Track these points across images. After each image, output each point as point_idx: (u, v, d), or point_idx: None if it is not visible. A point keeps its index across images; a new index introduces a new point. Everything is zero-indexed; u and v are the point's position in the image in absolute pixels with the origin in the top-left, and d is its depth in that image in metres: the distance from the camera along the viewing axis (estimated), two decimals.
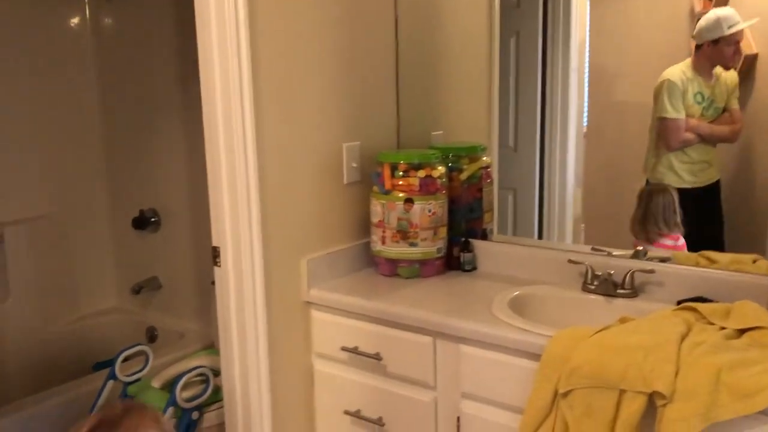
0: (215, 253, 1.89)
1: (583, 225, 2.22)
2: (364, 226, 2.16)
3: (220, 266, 1.89)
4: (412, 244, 2.04)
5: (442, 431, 1.81)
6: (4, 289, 2.75)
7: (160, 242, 2.97)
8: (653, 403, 1.40)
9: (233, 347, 1.93)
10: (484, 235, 2.19)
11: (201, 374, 2.20)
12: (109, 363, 2.39)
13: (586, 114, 2.19)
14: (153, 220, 2.95)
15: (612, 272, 1.87)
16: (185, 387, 2.16)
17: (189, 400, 2.15)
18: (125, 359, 2.35)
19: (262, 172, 1.86)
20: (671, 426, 1.36)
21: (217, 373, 2.17)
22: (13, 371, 2.70)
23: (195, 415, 2.17)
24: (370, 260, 2.17)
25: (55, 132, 2.91)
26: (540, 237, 2.30)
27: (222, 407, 2.07)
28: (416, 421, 1.85)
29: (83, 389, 2.44)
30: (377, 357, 1.88)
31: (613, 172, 2.15)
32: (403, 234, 2.03)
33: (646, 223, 2.01)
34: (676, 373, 1.39)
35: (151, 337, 2.93)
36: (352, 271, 2.14)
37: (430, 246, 2.05)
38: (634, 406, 1.41)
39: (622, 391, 1.43)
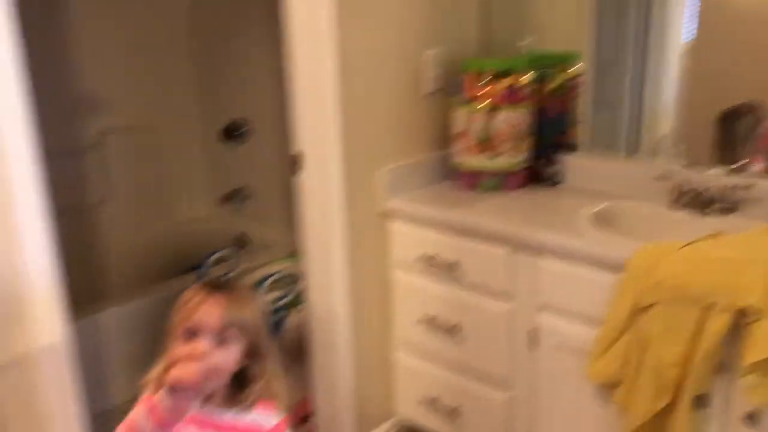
0: (297, 160, 1.92)
1: (676, 143, 2.10)
2: (445, 137, 2.12)
3: (301, 173, 1.92)
4: (494, 156, 1.99)
5: (517, 341, 1.82)
6: (107, 193, 2.92)
7: (249, 152, 3.05)
8: (737, 322, 1.35)
9: (315, 253, 1.99)
10: (570, 149, 2.11)
11: (286, 277, 2.29)
12: (200, 266, 2.52)
13: (689, 25, 2.02)
14: (242, 130, 3.02)
15: (704, 189, 1.78)
16: (271, 289, 2.25)
17: (274, 302, 2.25)
18: (215, 262, 2.47)
19: (344, 79, 1.84)
20: (764, 342, 1.30)
21: (301, 277, 2.25)
22: (114, 269, 2.89)
23: (279, 315, 2.26)
24: (450, 173, 2.14)
25: (148, 44, 2.98)
26: (630, 154, 2.20)
27: (305, 310, 2.16)
28: (492, 331, 1.86)
29: (175, 289, 2.58)
30: (455, 267, 1.89)
31: (715, 88, 1.99)
32: (486, 145, 1.99)
33: (731, 146, 1.86)
34: None
35: (240, 244, 3.04)
36: (432, 184, 2.13)
37: (513, 158, 2.00)
38: (719, 323, 1.36)
39: (708, 307, 1.38)
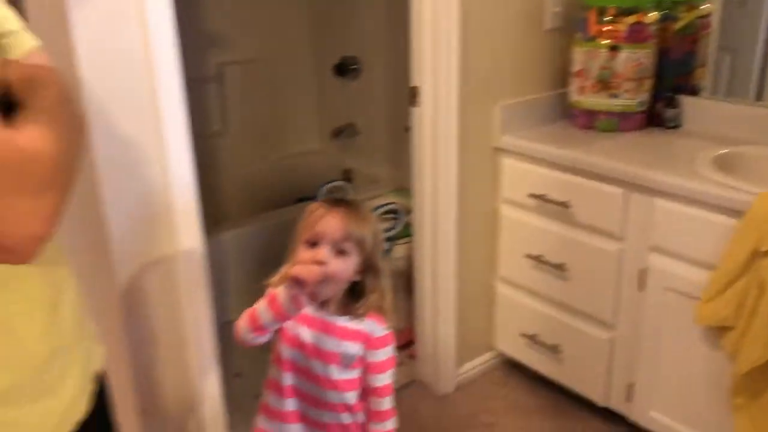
0: (413, 93, 1.96)
1: None
2: (563, 75, 2.10)
3: (417, 106, 1.97)
4: (613, 96, 1.96)
5: (625, 282, 1.82)
6: (225, 124, 3.07)
7: (359, 89, 3.11)
8: None
9: (425, 185, 2.04)
10: (693, 92, 2.04)
11: (393, 210, 2.36)
12: (310, 198, 2.63)
13: None
14: (353, 67, 3.08)
15: None
16: (380, 220, 2.33)
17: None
18: (328, 192, 2.57)
19: (464, 13, 1.85)
20: None
21: (407, 211, 2.32)
22: (230, 196, 3.07)
23: (386, 246, 2.35)
24: (565, 112, 2.13)
25: None
26: (758, 98, 2.10)
27: (411, 242, 2.24)
28: (599, 270, 1.87)
29: (286, 217, 2.73)
30: (565, 205, 1.90)
31: None
32: (604, 84, 1.96)
33: None
34: None
35: (347, 179, 3.14)
36: (546, 122, 2.13)
37: (633, 98, 1.97)
38: None
39: None
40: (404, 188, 2.64)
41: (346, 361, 1.25)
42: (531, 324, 2.12)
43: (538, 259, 2.02)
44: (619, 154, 1.84)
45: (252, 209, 2.95)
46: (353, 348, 1.25)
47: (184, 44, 1.40)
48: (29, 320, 0.75)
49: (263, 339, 1.20)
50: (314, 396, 1.27)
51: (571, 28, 2.03)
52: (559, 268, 1.96)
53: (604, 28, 1.92)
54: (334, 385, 1.26)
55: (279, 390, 1.29)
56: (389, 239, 2.34)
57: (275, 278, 1.22)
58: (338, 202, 1.22)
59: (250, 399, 2.28)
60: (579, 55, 1.98)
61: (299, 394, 1.28)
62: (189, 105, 1.45)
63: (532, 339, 2.11)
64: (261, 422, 1.35)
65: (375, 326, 1.27)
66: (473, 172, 2.05)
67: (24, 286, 0.74)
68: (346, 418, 1.29)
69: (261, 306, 1.15)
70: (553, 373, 2.11)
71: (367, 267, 1.24)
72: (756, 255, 1.47)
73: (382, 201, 2.45)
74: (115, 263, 1.41)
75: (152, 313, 1.51)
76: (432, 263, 2.11)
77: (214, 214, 2.93)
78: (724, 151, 1.77)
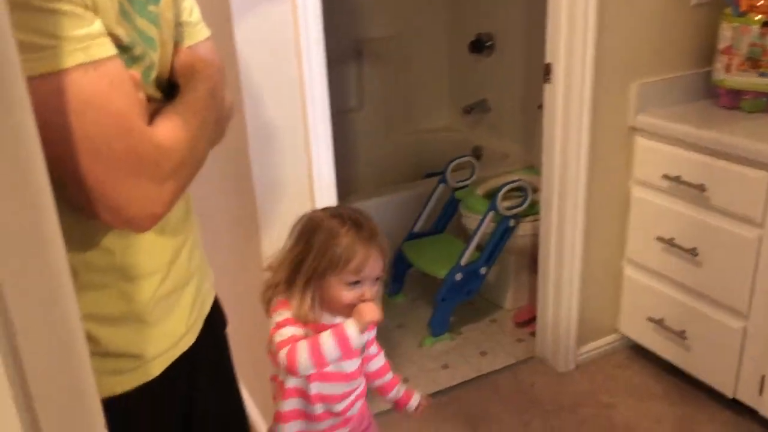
0: (547, 70, 1.96)
1: None
2: (707, 53, 2.01)
3: (550, 83, 1.96)
4: (763, 74, 1.86)
5: (763, 271, 1.74)
6: (360, 100, 3.20)
7: (493, 66, 3.12)
8: None
9: (554, 163, 2.04)
10: None
11: (520, 188, 2.37)
12: (438, 173, 2.69)
13: None
14: (488, 44, 3.09)
15: None
16: (505, 197, 2.35)
17: (508, 208, 2.35)
18: (454, 169, 2.62)
19: None
20: None
21: (535, 189, 2.32)
22: (361, 170, 3.20)
23: (512, 222, 2.37)
24: (708, 91, 2.04)
25: None
26: None
27: (537, 220, 2.24)
28: (734, 257, 1.80)
29: (415, 191, 2.81)
30: (701, 188, 1.83)
31: None
32: (754, 62, 1.86)
33: None
34: None
35: (477, 155, 3.18)
36: (687, 101, 2.05)
37: None
38: None
39: None
40: (534, 166, 2.63)
41: (362, 349, 1.32)
42: (658, 308, 2.07)
43: (669, 243, 1.96)
44: (765, 136, 1.75)
45: (382, 182, 3.07)
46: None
47: (326, 22, 1.50)
48: (149, 260, 0.86)
49: None
50: (340, 394, 1.30)
51: (720, 2, 1.93)
52: (691, 252, 1.90)
53: (758, 3, 1.82)
54: (355, 375, 1.30)
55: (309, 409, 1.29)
56: (515, 217, 2.36)
57: (276, 280, 1.23)
58: (371, 235, 1.20)
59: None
60: (727, 31, 1.89)
61: (324, 399, 1.29)
62: (329, 82, 1.55)
63: (659, 324, 2.07)
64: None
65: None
66: (605, 151, 2.02)
67: (143, 243, 0.85)
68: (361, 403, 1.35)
69: (328, 344, 1.15)
70: (679, 361, 2.06)
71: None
72: None
73: (510, 177, 2.46)
74: (260, 229, 1.55)
75: None
76: (557, 242, 2.11)
77: (346, 186, 3.08)
78: None
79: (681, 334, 2.00)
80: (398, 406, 1.42)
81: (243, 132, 1.47)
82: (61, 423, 0.53)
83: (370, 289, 1.20)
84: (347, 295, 1.19)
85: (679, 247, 1.93)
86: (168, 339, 0.91)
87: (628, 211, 2.10)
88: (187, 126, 0.78)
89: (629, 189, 2.08)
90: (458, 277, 2.34)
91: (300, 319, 1.19)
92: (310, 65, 1.49)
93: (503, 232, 2.38)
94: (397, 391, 1.41)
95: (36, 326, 0.51)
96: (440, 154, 3.11)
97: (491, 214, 2.35)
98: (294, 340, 1.16)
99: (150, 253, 0.86)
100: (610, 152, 2.03)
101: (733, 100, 1.94)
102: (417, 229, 2.66)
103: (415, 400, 1.41)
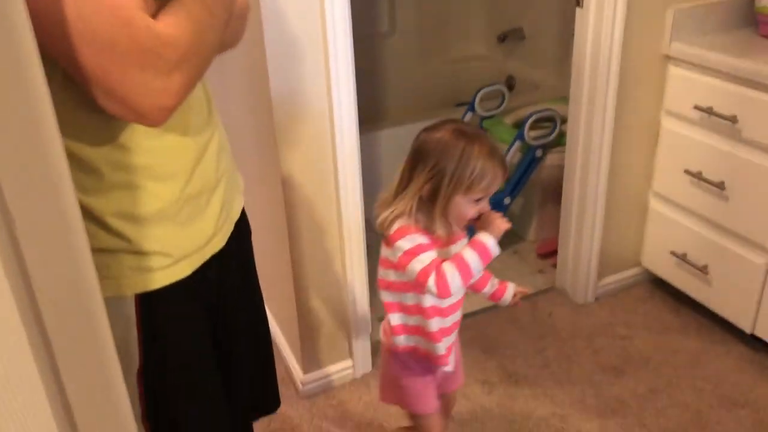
0: None
1: None
2: None
3: (582, 6, 1.90)
4: None
5: None
6: (393, 25, 3.14)
7: None
8: None
9: (583, 92, 1.99)
10: None
11: (549, 118, 2.33)
12: (467, 104, 2.66)
13: None
14: None
15: None
16: (533, 127, 2.32)
17: (535, 138, 2.32)
18: (484, 98, 2.58)
19: None
20: None
21: (564, 120, 2.28)
22: (392, 95, 3.17)
23: (539, 152, 2.34)
24: (750, 18, 1.95)
25: None
26: None
27: (564, 151, 2.21)
28: (763, 191, 1.76)
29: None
30: (733, 120, 1.78)
31: None
32: None
33: None
34: None
35: (510, 85, 3.11)
36: (726, 30, 1.96)
37: None
38: None
39: None
40: (566, 97, 2.57)
41: None
42: (682, 243, 2.05)
43: (697, 176, 1.92)
44: None
45: (413, 110, 3.04)
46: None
47: None
48: (174, 160, 0.89)
49: None
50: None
51: None
52: (719, 186, 1.86)
53: None
54: None
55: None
56: (542, 147, 2.33)
57: (402, 210, 1.22)
58: (494, 151, 1.21)
59: None
60: None
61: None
62: (358, 4, 1.52)
63: (682, 258, 2.05)
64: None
65: None
66: (636, 81, 1.96)
67: (167, 143, 0.88)
68: None
69: (473, 261, 1.20)
70: (699, 295, 2.05)
71: None
72: None
73: (541, 107, 2.42)
74: (278, 145, 1.57)
75: (311, 203, 1.67)
76: (582, 172, 2.08)
77: (376, 112, 3.06)
78: None
79: (703, 269, 1.98)
80: (494, 298, 1.45)
81: (260, 44, 1.47)
82: (60, 314, 0.56)
83: (486, 202, 1.24)
84: (472, 210, 1.23)
85: (707, 181, 1.89)
86: (197, 240, 0.95)
87: (656, 142, 2.06)
88: (192, 17, 0.77)
89: (659, 120, 2.03)
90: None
91: (439, 240, 1.22)
92: None
93: (529, 162, 2.36)
94: (492, 285, 1.43)
95: (35, 218, 0.53)
96: (473, 83, 3.05)
97: (518, 143, 2.32)
98: (435, 264, 1.19)
99: (174, 153, 0.89)
100: (641, 81, 1.97)
101: None
102: None
103: (509, 293, 1.44)
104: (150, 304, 0.91)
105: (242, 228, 1.10)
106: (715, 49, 1.84)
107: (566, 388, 1.89)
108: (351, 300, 1.85)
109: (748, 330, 1.92)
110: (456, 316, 1.35)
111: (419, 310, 1.30)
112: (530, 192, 2.51)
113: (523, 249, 2.55)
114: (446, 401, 1.53)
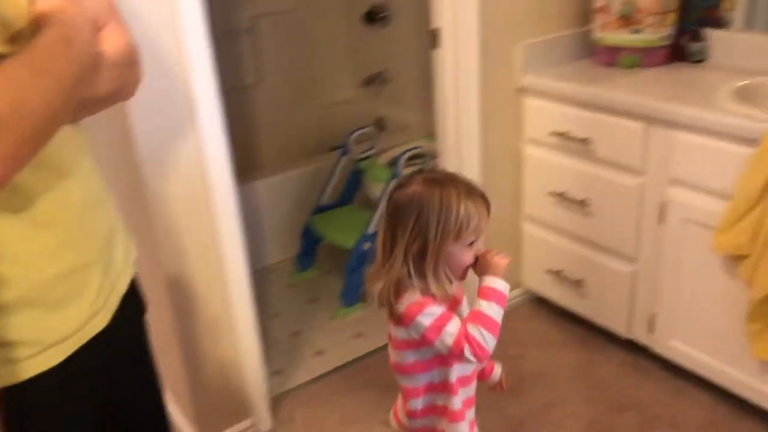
0: (434, 35, 1.99)
1: None
2: (586, 13, 2.10)
3: (439, 48, 2.00)
4: (636, 31, 1.96)
5: (646, 216, 1.85)
6: (259, 76, 3.15)
7: (389, 37, 3.13)
8: None
9: (448, 127, 2.08)
10: (719, 24, 2.01)
11: (421, 155, 2.42)
12: (343, 145, 2.70)
13: None
14: (382, 15, 3.10)
15: None
16: (408, 165, 2.39)
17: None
18: (358, 141, 2.64)
19: None
20: None
21: (434, 155, 2.37)
22: (266, 146, 3.17)
23: None
24: (588, 50, 2.13)
25: None
26: None
27: None
28: (620, 204, 1.91)
29: (321, 164, 2.82)
30: (587, 142, 1.93)
31: None
32: (627, 20, 1.95)
33: None
34: None
35: (380, 126, 3.20)
36: (569, 60, 2.13)
37: (655, 33, 1.96)
38: None
39: None
40: (434, 133, 2.68)
41: None
42: (556, 260, 2.17)
43: (561, 196, 2.05)
44: (641, 89, 1.85)
45: (288, 158, 3.04)
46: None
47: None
48: (33, 242, 0.82)
49: None
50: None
51: None
52: (582, 204, 2.00)
53: None
54: None
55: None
56: None
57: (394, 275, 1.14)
58: (472, 189, 1.17)
59: (286, 336, 2.42)
60: None
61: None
62: (222, 58, 1.52)
63: (558, 275, 2.17)
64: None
65: None
66: (496, 113, 2.08)
67: (31, 212, 0.80)
68: None
69: (495, 311, 1.16)
70: (578, 308, 2.17)
71: None
72: None
73: (412, 144, 2.50)
74: (152, 215, 1.52)
75: (190, 253, 1.62)
76: None
77: (251, 163, 3.04)
78: (745, 82, 1.76)
79: (579, 283, 2.11)
80: (482, 375, 1.37)
81: (124, 104, 1.43)
82: None
83: (480, 244, 1.18)
84: (468, 255, 1.16)
85: (571, 200, 2.03)
86: (72, 323, 0.87)
87: (521, 169, 2.18)
88: (11, 81, 0.67)
89: (521, 147, 2.16)
90: (366, 246, 2.37)
91: (444, 300, 1.15)
92: (193, 41, 1.46)
93: None
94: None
95: None
96: (344, 126, 3.11)
97: (394, 182, 2.38)
98: (464, 333, 1.12)
99: (24, 233, 0.81)
100: (501, 113, 2.10)
101: (612, 57, 2.04)
102: (324, 201, 2.67)
103: (497, 371, 1.39)
104: (18, 395, 0.84)
105: (133, 303, 1.02)
106: (563, 79, 1.99)
107: None
108: (245, 362, 1.79)
109: (624, 335, 2.05)
110: (474, 381, 1.29)
111: (446, 388, 1.23)
112: None
113: None
114: None
